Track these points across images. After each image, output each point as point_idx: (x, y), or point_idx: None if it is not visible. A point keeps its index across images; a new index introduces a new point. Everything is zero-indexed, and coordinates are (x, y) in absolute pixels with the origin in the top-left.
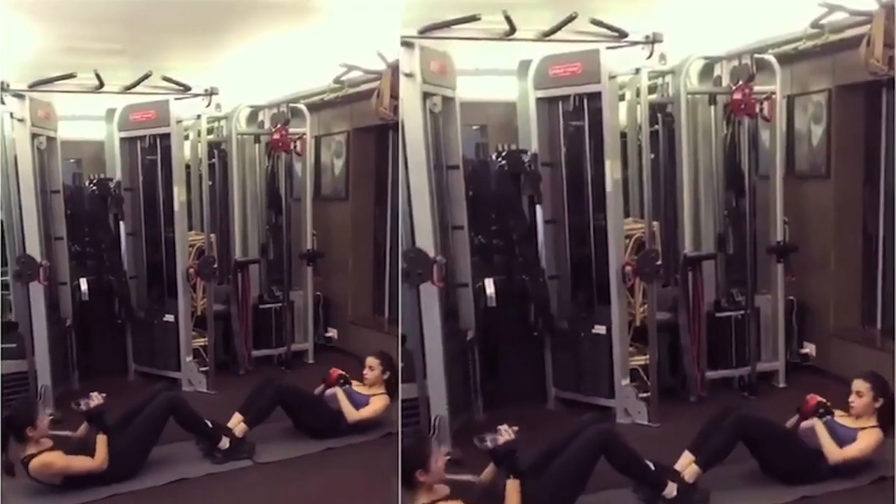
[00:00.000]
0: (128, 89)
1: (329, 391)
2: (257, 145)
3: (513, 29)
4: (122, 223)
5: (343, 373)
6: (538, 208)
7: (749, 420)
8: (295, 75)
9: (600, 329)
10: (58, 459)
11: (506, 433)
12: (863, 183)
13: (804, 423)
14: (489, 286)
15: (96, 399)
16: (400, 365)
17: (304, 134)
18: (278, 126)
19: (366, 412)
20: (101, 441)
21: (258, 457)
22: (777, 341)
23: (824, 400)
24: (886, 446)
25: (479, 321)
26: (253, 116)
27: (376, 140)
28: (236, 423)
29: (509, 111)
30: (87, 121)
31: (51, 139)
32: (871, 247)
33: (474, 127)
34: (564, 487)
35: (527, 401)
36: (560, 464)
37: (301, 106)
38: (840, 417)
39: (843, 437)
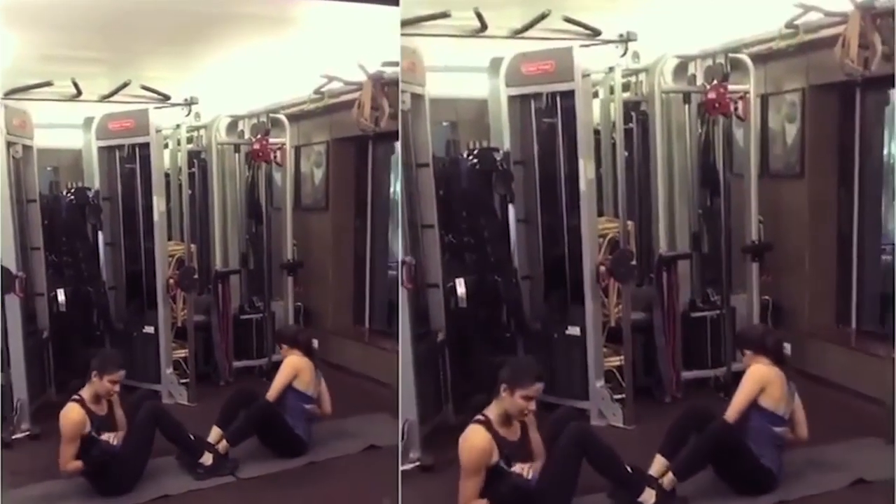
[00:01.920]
0: (106, 98)
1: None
2: (237, 155)
3: (484, 26)
4: (100, 233)
5: None
6: (510, 207)
7: (727, 431)
8: (275, 85)
9: (574, 330)
10: (80, 419)
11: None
12: (837, 182)
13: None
14: (460, 286)
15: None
16: (399, 377)
17: (284, 144)
18: (258, 136)
19: (274, 383)
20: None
21: (240, 472)
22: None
23: None
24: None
25: (449, 322)
26: (233, 126)
27: (356, 150)
28: (217, 438)
29: (480, 107)
30: (65, 129)
31: (27, 148)
32: (845, 246)
33: (444, 123)
34: (561, 492)
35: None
36: (550, 470)
37: (281, 116)
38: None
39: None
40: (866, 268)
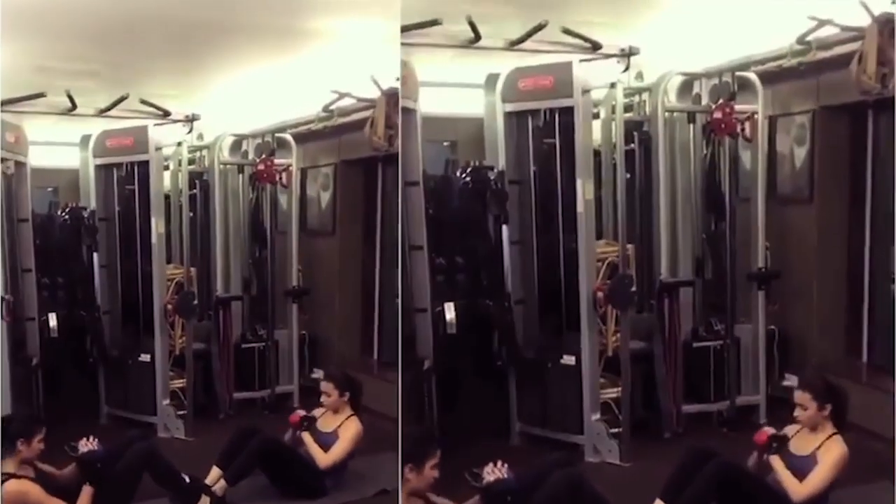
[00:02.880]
0: (103, 112)
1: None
2: (241, 176)
3: (478, 37)
4: (95, 255)
5: (305, 414)
6: (504, 228)
7: (730, 468)
8: (281, 103)
9: (569, 359)
10: (35, 493)
11: (497, 471)
12: (847, 207)
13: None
14: (449, 311)
15: (91, 444)
16: (399, 412)
17: (290, 165)
18: (263, 156)
19: (337, 451)
20: (87, 494)
21: None
22: (758, 373)
23: (775, 431)
24: (850, 455)
25: (437, 349)
26: (236, 146)
27: (364, 173)
28: (215, 479)
29: (481, 127)
30: (62, 147)
31: (20, 164)
32: (856, 274)
33: (445, 143)
34: None
35: (489, 436)
36: None
37: (287, 136)
38: (796, 440)
39: (802, 468)
40: (878, 298)
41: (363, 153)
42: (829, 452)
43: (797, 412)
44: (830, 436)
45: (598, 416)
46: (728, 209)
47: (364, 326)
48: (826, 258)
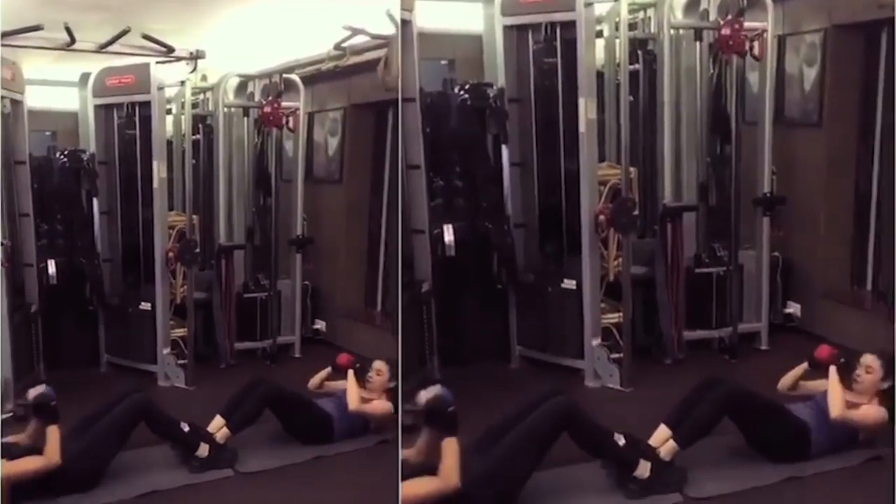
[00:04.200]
0: (103, 48)
1: (328, 385)
2: (246, 119)
3: None
4: (95, 200)
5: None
6: (504, 149)
7: (737, 394)
8: (289, 42)
9: (570, 283)
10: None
11: (432, 390)
12: (857, 133)
13: (803, 388)
14: (448, 233)
15: (38, 389)
16: (399, 365)
17: (298, 108)
18: (270, 98)
19: (369, 407)
20: (52, 432)
21: (240, 466)
22: (760, 300)
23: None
24: (885, 428)
25: (436, 272)
26: (242, 87)
27: (375, 118)
28: (218, 427)
29: (480, 45)
30: (60, 87)
31: (16, 103)
32: (863, 201)
33: (443, 62)
34: (517, 463)
35: (488, 360)
36: (514, 437)
37: (295, 77)
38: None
39: (834, 424)
40: (885, 225)
41: (374, 97)
42: (874, 409)
43: (860, 373)
44: (878, 404)
45: (598, 341)
46: (734, 132)
47: (369, 278)
48: (833, 184)
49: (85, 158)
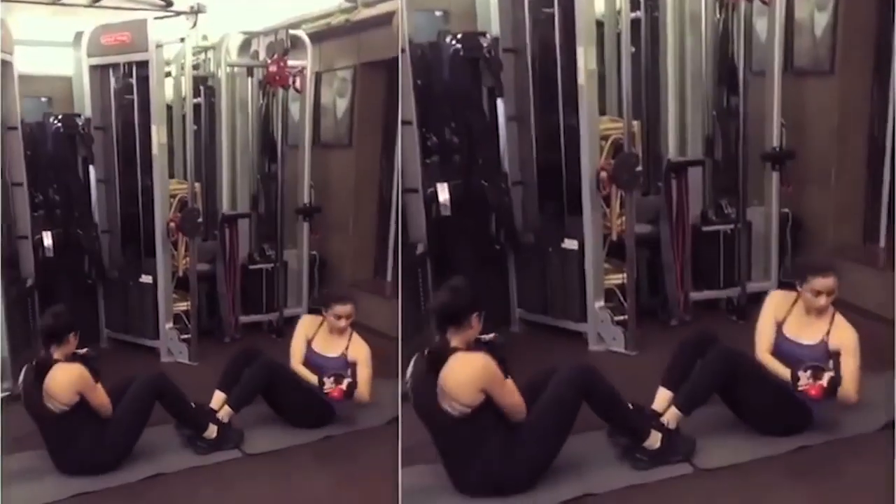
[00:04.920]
0: (95, 1)
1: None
2: (250, 79)
3: None
4: (92, 168)
5: (345, 389)
6: (499, 102)
7: (736, 355)
8: None
9: (571, 243)
10: (87, 374)
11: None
12: (872, 81)
13: None
14: (443, 192)
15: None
16: (399, 337)
17: (305, 68)
18: (275, 56)
19: (366, 378)
20: (101, 389)
21: (247, 446)
22: (770, 259)
23: (813, 378)
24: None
25: (430, 232)
26: (245, 45)
27: (387, 77)
28: (219, 403)
29: None
30: (53, 48)
31: (6, 63)
32: (877, 155)
33: (437, 13)
34: (549, 437)
35: (488, 324)
36: (541, 412)
37: (301, 34)
38: (798, 326)
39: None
40: None
41: (387, 53)
42: (844, 339)
43: (823, 300)
44: (832, 318)
45: (601, 303)
46: (741, 83)
47: (379, 247)
48: (846, 137)
49: (80, 123)
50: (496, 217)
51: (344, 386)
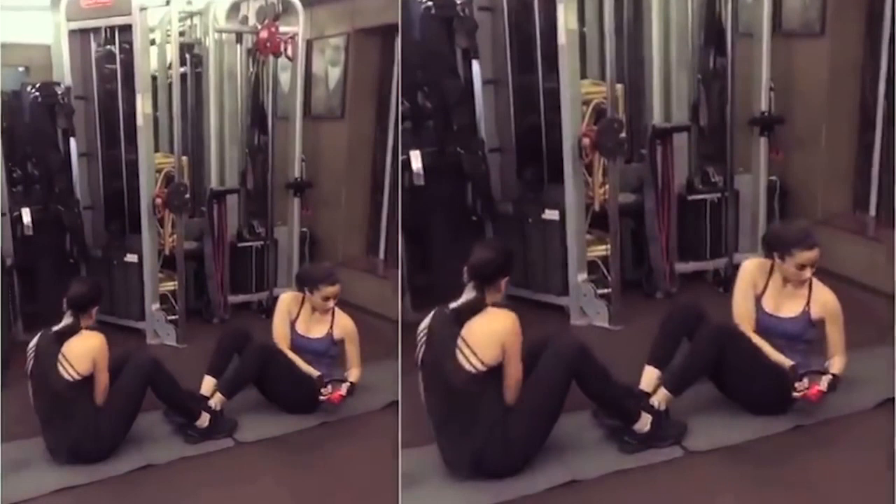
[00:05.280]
0: None
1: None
2: (238, 47)
3: None
4: (73, 140)
5: (343, 394)
6: (475, 65)
7: (726, 335)
8: None
9: (552, 214)
10: (107, 349)
11: None
12: (863, 43)
13: None
14: (416, 160)
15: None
16: (400, 318)
17: (296, 34)
18: (266, 21)
19: (356, 358)
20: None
21: (239, 434)
22: (757, 228)
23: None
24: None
25: (404, 201)
26: (234, 10)
27: (381, 44)
28: (209, 389)
29: None
30: (30, 12)
31: None
32: (868, 120)
33: None
34: (538, 421)
35: None
36: (530, 395)
37: None
38: (777, 299)
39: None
40: (890, 145)
41: (382, 19)
42: (827, 306)
43: (808, 273)
44: (810, 285)
45: (584, 275)
46: (728, 45)
47: (371, 223)
48: (836, 101)
49: (59, 92)
50: (472, 186)
51: (343, 391)
